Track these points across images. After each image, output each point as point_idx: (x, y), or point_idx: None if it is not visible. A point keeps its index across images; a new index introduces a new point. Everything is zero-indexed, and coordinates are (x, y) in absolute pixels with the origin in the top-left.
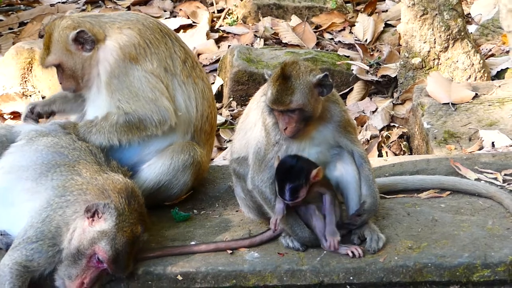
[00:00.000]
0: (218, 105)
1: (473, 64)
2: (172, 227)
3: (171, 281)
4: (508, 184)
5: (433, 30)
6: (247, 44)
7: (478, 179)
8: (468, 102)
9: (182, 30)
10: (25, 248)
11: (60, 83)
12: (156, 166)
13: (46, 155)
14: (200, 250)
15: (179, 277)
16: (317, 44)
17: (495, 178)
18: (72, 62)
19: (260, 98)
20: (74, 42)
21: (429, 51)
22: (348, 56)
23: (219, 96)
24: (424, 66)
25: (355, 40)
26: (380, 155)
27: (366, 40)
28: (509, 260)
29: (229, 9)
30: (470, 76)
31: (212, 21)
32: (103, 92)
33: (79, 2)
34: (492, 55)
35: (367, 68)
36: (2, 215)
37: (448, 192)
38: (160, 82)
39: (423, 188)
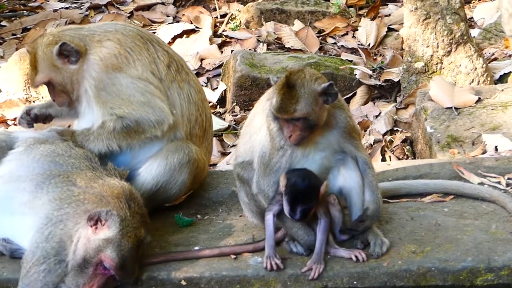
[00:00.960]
0: (221, 110)
1: (476, 68)
2: (176, 232)
3: (175, 286)
4: (511, 188)
5: (436, 34)
6: (250, 49)
7: (481, 183)
8: (471, 106)
9: (185, 35)
10: (36, 272)
11: (53, 100)
12: (152, 168)
13: (42, 164)
14: (204, 255)
15: (183, 282)
16: (320, 49)
17: (499, 182)
18: (61, 77)
19: (266, 103)
20: (59, 56)
21: (432, 55)
22: (351, 61)
23: (222, 101)
24: (427, 70)
25: (358, 44)
26: (383, 159)
27: (369, 45)
28: None
29: (232, 14)
30: (473, 80)
31: (215, 26)
32: (94, 106)
33: (82, 7)
34: (495, 59)
35: (370, 72)
36: (4, 223)
37: (452, 196)
38: (149, 85)
39: (427, 192)
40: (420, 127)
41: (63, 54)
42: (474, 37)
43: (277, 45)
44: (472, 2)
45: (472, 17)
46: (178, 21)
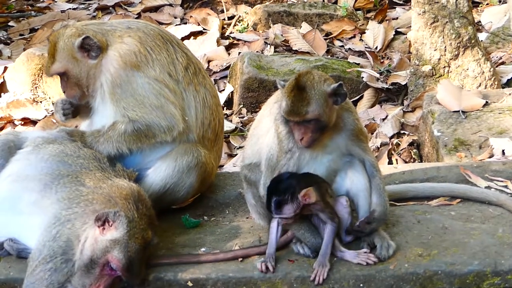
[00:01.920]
0: (228, 112)
1: (483, 72)
2: (182, 233)
3: (182, 287)
4: None
5: (443, 37)
6: (257, 51)
7: (488, 187)
8: (478, 110)
9: (192, 37)
10: (42, 271)
11: (64, 92)
12: (161, 170)
13: (50, 164)
14: (208, 260)
15: (190, 284)
16: (327, 52)
17: (506, 186)
18: (78, 70)
19: (273, 105)
20: (80, 49)
21: (439, 59)
22: (358, 64)
23: (229, 103)
24: (434, 73)
25: (365, 47)
26: (390, 162)
27: (376, 48)
28: None
29: (240, 16)
30: (480, 84)
31: (223, 28)
32: (108, 102)
33: (89, 8)
34: (503, 63)
35: (378, 75)
36: (12, 222)
37: (458, 200)
38: (164, 87)
39: (433, 195)
40: (427, 131)
41: (84, 47)
42: (481, 41)
43: (285, 48)
44: (480, 6)
45: (479, 21)
46: (185, 23)
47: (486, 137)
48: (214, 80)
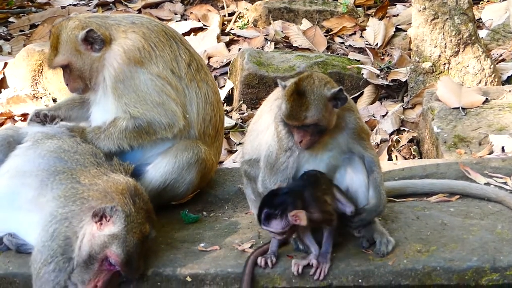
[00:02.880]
0: (228, 108)
1: (483, 69)
2: (182, 229)
3: (180, 283)
4: None
5: (443, 34)
6: (257, 48)
7: (487, 184)
8: (478, 106)
9: (193, 33)
10: (47, 273)
11: (67, 85)
12: (161, 166)
13: (47, 160)
14: None
15: (188, 279)
16: (328, 48)
17: (505, 183)
18: (81, 63)
19: (274, 102)
20: (83, 42)
21: (439, 56)
22: (358, 60)
23: (229, 99)
24: (434, 70)
25: (366, 44)
26: (389, 159)
27: (376, 44)
28: None
29: (240, 13)
30: (480, 80)
31: (223, 24)
32: (110, 96)
33: (90, 4)
34: (503, 60)
35: (378, 72)
36: (11, 218)
37: (458, 196)
38: (167, 84)
39: (433, 192)
40: (427, 127)
41: (88, 40)
42: (482, 38)
43: (285, 44)
44: (480, 3)
45: (480, 18)
46: (186, 19)
47: (486, 133)
48: (214, 76)
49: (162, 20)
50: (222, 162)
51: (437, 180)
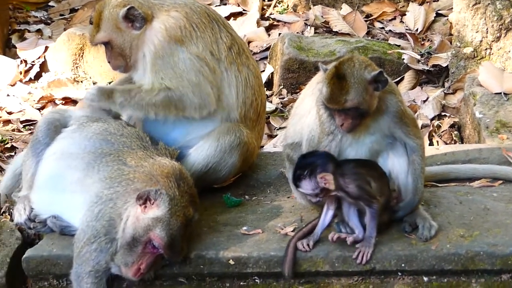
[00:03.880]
0: (268, 92)
1: None
2: (224, 212)
3: (223, 266)
4: None
5: (485, 19)
6: (297, 32)
7: None
8: None
9: (232, 18)
10: (88, 252)
11: (109, 62)
12: (203, 149)
13: (93, 143)
14: None
15: (231, 262)
16: (368, 33)
17: None
18: (121, 40)
19: (316, 86)
20: (124, 19)
21: (481, 41)
22: (398, 45)
23: (269, 83)
24: (476, 55)
25: (406, 29)
26: (430, 144)
27: (417, 30)
28: None
29: None
30: None
31: (263, 9)
32: (148, 72)
33: None
34: None
35: (418, 57)
36: (55, 200)
37: (500, 182)
38: (205, 66)
39: (475, 177)
40: (468, 112)
41: (129, 18)
42: None
43: (325, 29)
44: None
45: None
46: (225, 4)
47: None
48: None
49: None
50: (263, 146)
51: (480, 165)
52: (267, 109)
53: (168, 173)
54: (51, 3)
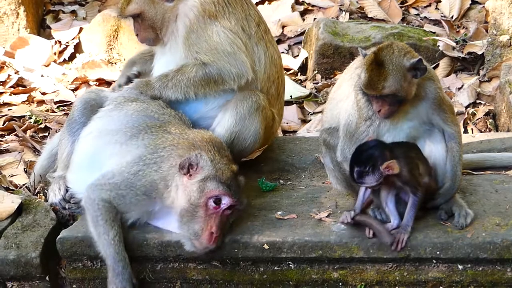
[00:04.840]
0: (302, 77)
1: None
2: (259, 196)
3: (258, 250)
4: None
5: None
6: (332, 18)
7: None
8: None
9: (267, 2)
10: (110, 190)
11: (137, 35)
12: (224, 121)
13: (136, 118)
14: None
15: (266, 246)
16: (403, 20)
17: None
18: (153, 12)
19: (355, 71)
20: None
21: None
22: (434, 32)
23: (303, 68)
24: None
25: (441, 16)
26: (465, 131)
27: (452, 17)
28: None
29: None
30: None
31: None
32: (180, 46)
33: None
34: None
35: (454, 44)
36: (92, 179)
37: None
38: (238, 38)
39: (511, 165)
40: (504, 101)
41: None
42: None
43: (359, 15)
44: None
45: None
46: None
47: None
48: (288, 45)
49: None
50: (296, 131)
51: None
52: (301, 94)
53: (208, 140)
54: None
